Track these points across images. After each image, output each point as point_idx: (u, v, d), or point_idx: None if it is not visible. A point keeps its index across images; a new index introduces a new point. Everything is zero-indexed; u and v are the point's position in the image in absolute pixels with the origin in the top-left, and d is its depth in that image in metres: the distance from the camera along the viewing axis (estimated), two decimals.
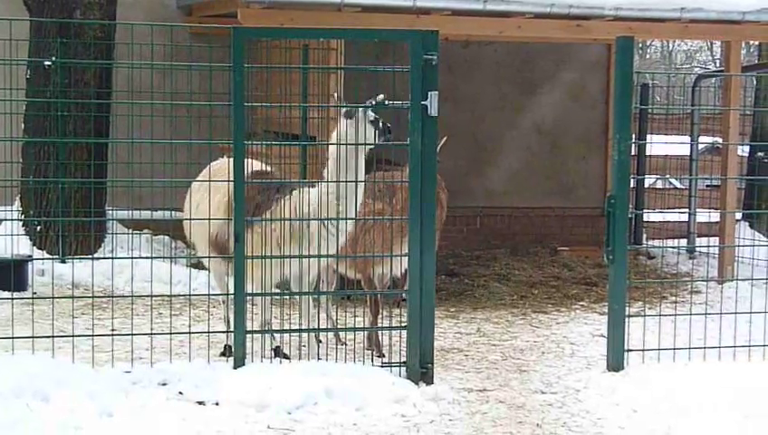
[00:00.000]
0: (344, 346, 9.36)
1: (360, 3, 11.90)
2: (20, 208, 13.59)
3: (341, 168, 8.69)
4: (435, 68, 8.44)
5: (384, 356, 9.21)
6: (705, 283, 13.28)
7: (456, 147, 14.33)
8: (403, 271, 9.28)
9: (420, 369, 8.55)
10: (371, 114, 8.87)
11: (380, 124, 8.89)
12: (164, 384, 8.14)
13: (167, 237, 13.69)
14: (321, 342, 9.49)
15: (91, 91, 13.26)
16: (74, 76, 13.10)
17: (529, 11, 12.50)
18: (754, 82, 18.40)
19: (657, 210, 16.79)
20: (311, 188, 9.00)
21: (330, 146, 8.92)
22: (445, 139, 9.43)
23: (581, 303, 12.64)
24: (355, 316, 9.82)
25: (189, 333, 8.95)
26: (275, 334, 9.16)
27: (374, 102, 8.69)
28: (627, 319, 8.98)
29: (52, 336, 8.48)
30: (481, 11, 12.32)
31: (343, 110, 8.87)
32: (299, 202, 8.85)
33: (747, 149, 17.42)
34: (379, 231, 9.27)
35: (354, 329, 9.51)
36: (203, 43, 12.81)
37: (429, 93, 8.41)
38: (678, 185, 20.19)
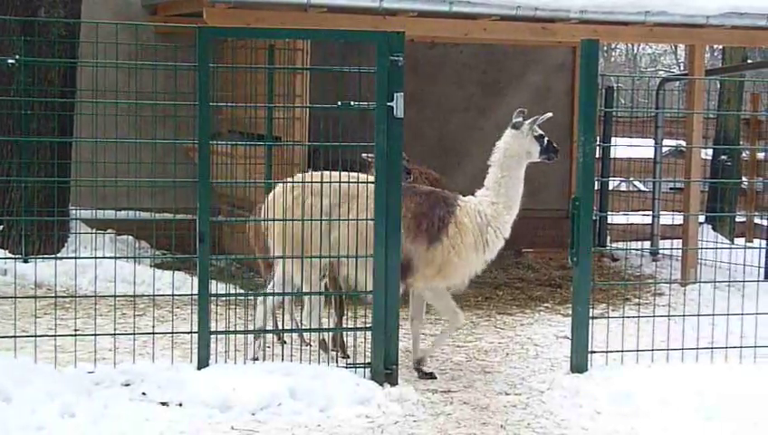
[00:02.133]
0: (309, 347, 9.35)
1: (326, 3, 11.88)
2: None
3: (507, 178, 9.13)
4: (401, 69, 8.44)
5: (348, 357, 9.21)
6: (668, 285, 13.35)
7: (421, 148, 14.36)
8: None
9: (385, 370, 8.55)
10: (537, 129, 9.20)
11: (545, 141, 9.23)
12: (127, 385, 8.12)
13: (130, 237, 13.65)
14: (285, 342, 9.47)
15: (55, 90, 13.19)
16: (38, 75, 13.02)
17: (495, 13, 12.52)
18: (718, 86, 18.49)
19: (621, 213, 16.84)
20: (474, 199, 9.19)
21: (497, 155, 9.23)
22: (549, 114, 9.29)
23: (546, 304, 12.67)
24: (319, 317, 9.80)
25: (153, 333, 8.91)
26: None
27: (344, 106, 8.68)
28: (591, 321, 9.00)
29: (15, 336, 8.43)
30: (447, 12, 12.33)
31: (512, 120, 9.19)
32: (475, 213, 9.04)
33: (710, 152, 17.52)
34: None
35: (319, 330, 9.49)
36: (168, 42, 12.78)
37: (395, 95, 8.41)
38: (642, 187, 20.28)
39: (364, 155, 9.04)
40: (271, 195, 9.08)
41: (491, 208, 9.10)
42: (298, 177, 9.42)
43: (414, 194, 9.12)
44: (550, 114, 9.35)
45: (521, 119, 9.22)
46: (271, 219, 9.00)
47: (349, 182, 8.81)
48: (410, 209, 8.94)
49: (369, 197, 8.69)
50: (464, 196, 9.25)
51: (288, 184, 9.00)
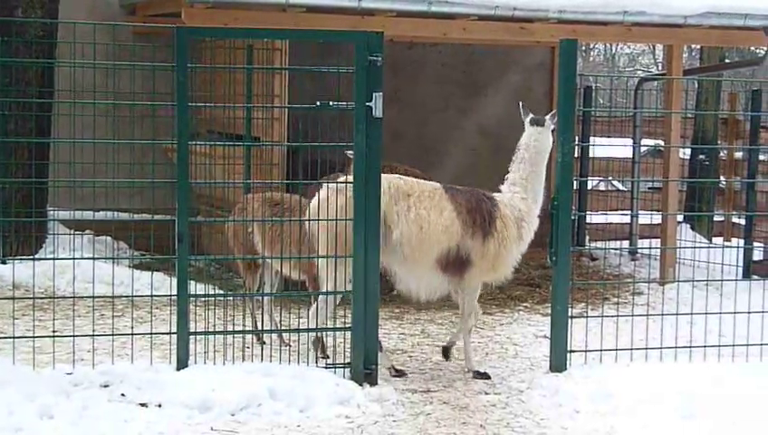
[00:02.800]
0: (288, 347, 9.34)
1: (305, 3, 11.86)
2: None
3: (534, 173, 9.41)
4: (379, 69, 8.45)
5: (328, 357, 9.20)
6: (646, 284, 13.38)
7: (400, 148, 14.36)
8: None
9: (364, 370, 8.56)
10: (551, 123, 9.42)
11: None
12: (106, 386, 8.09)
13: (109, 238, 13.60)
14: (264, 343, 9.46)
15: (32, 91, 13.14)
16: (15, 75, 12.96)
17: (473, 13, 12.53)
18: (696, 86, 18.54)
19: (599, 212, 16.87)
20: (505, 195, 9.44)
21: (524, 152, 9.45)
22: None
23: (525, 304, 12.69)
24: (299, 317, 9.80)
25: (132, 334, 8.89)
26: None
27: (322, 105, 8.67)
28: (570, 320, 9.03)
29: None
30: (426, 12, 12.33)
31: (529, 117, 9.48)
32: (512, 208, 9.30)
33: (689, 151, 17.56)
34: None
35: (298, 330, 9.49)
36: (146, 42, 12.76)
37: (374, 94, 8.42)
38: (621, 187, 20.32)
39: (348, 152, 9.04)
40: (319, 197, 8.92)
41: (523, 204, 9.33)
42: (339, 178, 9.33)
43: (457, 191, 9.26)
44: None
45: (531, 115, 9.51)
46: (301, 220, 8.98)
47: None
48: (463, 205, 9.10)
49: (424, 194, 9.03)
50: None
51: (335, 186, 8.91)
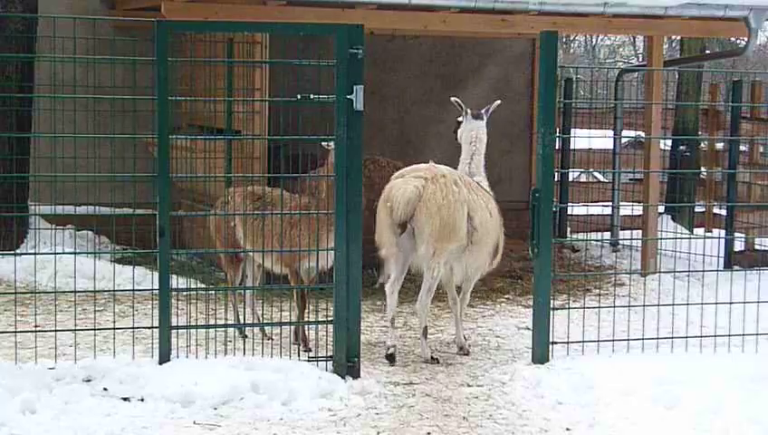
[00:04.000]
0: (270, 341, 9.34)
1: None
2: None
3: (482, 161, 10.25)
4: (360, 62, 8.45)
5: (311, 350, 9.21)
6: (628, 275, 13.42)
7: (381, 141, 14.36)
8: (330, 265, 9.28)
9: (347, 363, 8.57)
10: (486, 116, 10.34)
11: None
12: (88, 380, 8.09)
13: (90, 233, 13.57)
14: (246, 337, 9.46)
15: (12, 85, 13.09)
16: None
17: (454, 5, 12.51)
18: (676, 77, 18.58)
19: (581, 204, 16.89)
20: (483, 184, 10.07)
21: (476, 144, 10.19)
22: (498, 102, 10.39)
23: (507, 296, 12.71)
24: (281, 311, 9.80)
25: (114, 329, 8.90)
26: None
27: (303, 99, 8.67)
28: (551, 312, 9.05)
29: None
30: (406, 5, 12.32)
31: (470, 112, 10.23)
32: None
33: (669, 142, 17.60)
34: (306, 225, 9.26)
35: (280, 323, 9.49)
36: (126, 36, 12.71)
37: (355, 87, 8.42)
38: (602, 178, 20.34)
39: (324, 144, 9.07)
40: (419, 190, 9.34)
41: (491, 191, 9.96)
42: (419, 168, 9.78)
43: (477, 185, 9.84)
44: (498, 102, 10.39)
45: (471, 110, 10.27)
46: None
47: None
48: (492, 198, 9.83)
49: (471, 184, 9.75)
50: None
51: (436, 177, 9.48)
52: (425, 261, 9.45)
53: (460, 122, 10.36)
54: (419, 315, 9.65)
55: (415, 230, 9.38)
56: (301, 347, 9.31)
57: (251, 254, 9.86)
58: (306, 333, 9.53)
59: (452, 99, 10.19)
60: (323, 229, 8.99)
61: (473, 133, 10.15)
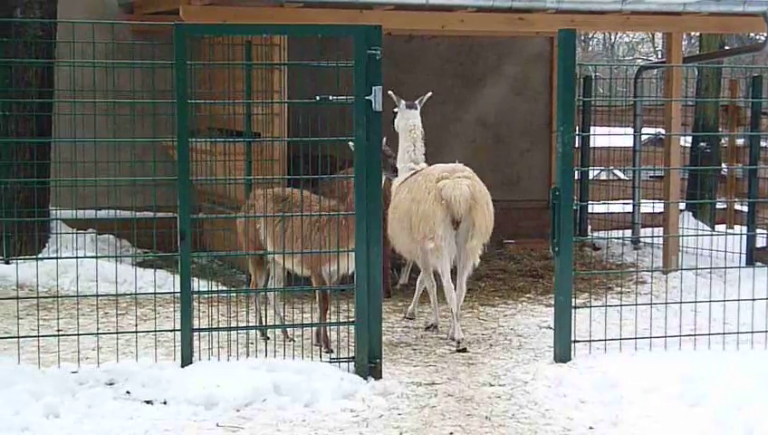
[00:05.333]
0: (292, 342, 9.35)
1: None
2: None
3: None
4: (378, 63, 8.45)
5: (332, 352, 9.21)
6: (650, 273, 13.37)
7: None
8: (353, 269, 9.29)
9: (369, 364, 8.57)
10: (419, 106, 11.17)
11: None
12: (111, 384, 8.10)
13: (111, 236, 13.61)
14: (268, 338, 9.47)
15: (32, 91, 13.14)
16: (15, 75, 12.96)
17: (471, 4, 12.51)
18: (696, 73, 18.54)
19: (601, 202, 16.87)
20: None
21: (416, 131, 11.06)
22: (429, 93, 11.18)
23: (528, 295, 12.68)
24: (303, 312, 9.81)
25: (136, 332, 8.92)
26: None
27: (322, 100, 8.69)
28: (573, 310, 9.03)
29: None
30: (424, 5, 12.32)
31: (403, 102, 11.00)
32: None
33: (690, 139, 17.56)
34: (333, 229, 9.21)
35: (302, 325, 9.49)
36: (145, 40, 12.76)
37: (373, 88, 8.42)
38: (622, 176, 20.31)
39: (351, 145, 9.09)
40: (471, 189, 10.13)
41: None
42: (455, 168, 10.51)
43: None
44: (430, 94, 11.34)
45: (404, 101, 11.05)
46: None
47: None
48: None
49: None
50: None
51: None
52: (472, 252, 10.26)
53: (396, 113, 11.05)
54: (458, 302, 10.26)
55: (468, 225, 10.14)
56: (322, 348, 9.31)
57: (275, 256, 9.87)
58: (328, 334, 9.53)
59: (388, 92, 10.25)
60: (351, 234, 8.95)
61: (410, 122, 10.98)
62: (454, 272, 10.22)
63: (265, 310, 10.13)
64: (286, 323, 9.98)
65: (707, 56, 18.06)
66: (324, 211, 9.43)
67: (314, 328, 9.62)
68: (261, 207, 9.73)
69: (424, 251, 10.33)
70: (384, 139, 9.60)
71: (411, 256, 11.09)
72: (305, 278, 9.85)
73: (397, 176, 9.94)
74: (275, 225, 9.59)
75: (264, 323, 9.92)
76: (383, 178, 9.33)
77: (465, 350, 9.85)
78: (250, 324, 9.30)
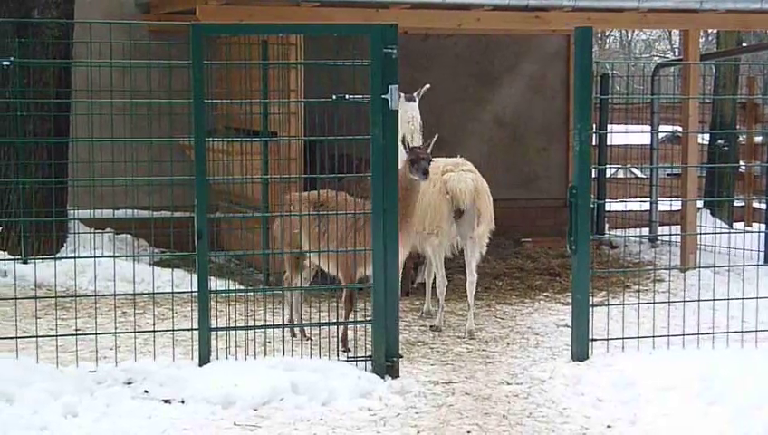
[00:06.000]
0: (309, 341, 9.35)
1: None
2: None
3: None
4: (394, 62, 8.44)
5: (349, 350, 9.21)
6: (667, 271, 13.33)
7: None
8: None
9: (386, 362, 8.57)
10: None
11: None
12: (129, 383, 8.12)
13: (129, 236, 13.64)
14: (295, 335, 9.48)
15: (50, 91, 13.17)
16: (33, 76, 12.99)
17: (488, 3, 12.51)
18: (713, 71, 18.50)
19: (618, 200, 16.85)
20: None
21: (415, 123, 11.28)
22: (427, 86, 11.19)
23: (545, 293, 12.67)
24: (320, 311, 9.81)
25: (154, 331, 8.93)
26: None
27: (338, 99, 8.69)
28: (591, 309, 9.01)
29: (16, 337, 8.44)
30: (440, 4, 12.33)
31: (403, 95, 10.64)
32: None
33: (707, 137, 17.52)
34: (368, 232, 8.96)
35: (319, 324, 9.48)
36: (162, 40, 12.77)
37: (389, 87, 8.42)
38: (639, 174, 20.28)
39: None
40: (474, 181, 10.51)
41: None
42: (457, 162, 10.94)
43: None
44: (428, 86, 11.57)
45: (404, 94, 10.82)
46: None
47: None
48: None
49: None
50: None
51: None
52: (479, 239, 10.58)
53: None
54: (471, 291, 10.59)
55: (474, 215, 10.47)
56: (340, 347, 9.30)
57: (309, 256, 9.82)
58: (346, 332, 9.51)
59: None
60: None
61: (408, 114, 11.12)
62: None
63: (301, 308, 10.09)
64: (304, 322, 9.98)
65: (725, 53, 18.03)
66: (365, 211, 9.23)
67: (339, 331, 9.53)
68: (298, 211, 9.53)
69: (423, 242, 10.66)
70: (432, 140, 9.86)
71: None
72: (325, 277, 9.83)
73: (427, 179, 9.64)
74: (312, 228, 9.52)
75: (294, 322, 9.86)
76: (417, 179, 9.46)
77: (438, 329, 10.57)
78: (267, 323, 9.30)
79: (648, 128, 16.44)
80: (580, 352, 8.99)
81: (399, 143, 8.88)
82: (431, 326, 10.71)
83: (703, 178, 16.81)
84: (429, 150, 9.75)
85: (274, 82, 12.36)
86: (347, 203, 9.56)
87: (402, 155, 9.41)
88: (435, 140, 9.93)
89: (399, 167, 9.00)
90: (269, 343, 8.96)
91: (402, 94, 10.65)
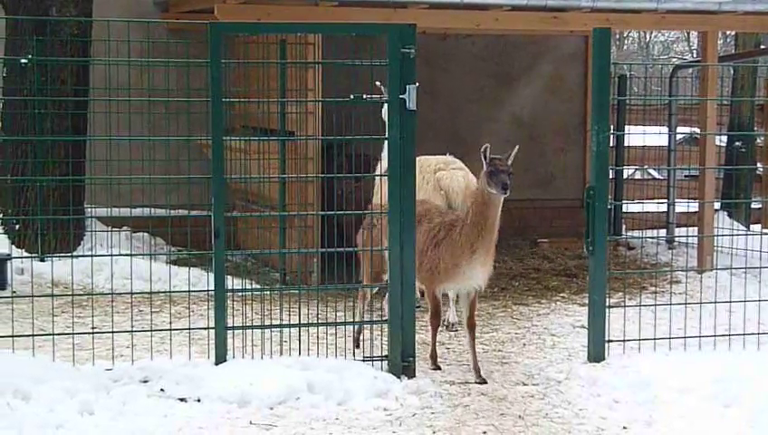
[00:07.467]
0: (325, 341, 9.33)
1: None
2: None
3: None
4: (412, 61, 8.44)
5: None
6: (684, 273, 13.30)
7: (434, 140, 14.35)
8: (471, 290, 9.02)
9: (402, 362, 8.57)
10: None
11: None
12: (145, 381, 8.13)
13: (146, 234, 13.66)
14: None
15: (68, 89, 13.19)
16: (51, 74, 13.02)
17: (506, 3, 12.51)
18: (731, 72, 18.44)
19: (636, 201, 16.82)
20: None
21: None
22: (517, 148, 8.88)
23: (562, 294, 12.65)
24: (336, 311, 9.81)
25: (170, 329, 8.94)
26: None
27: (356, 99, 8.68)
28: (607, 310, 9.00)
29: (33, 335, 8.46)
30: (458, 4, 12.33)
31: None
32: None
33: (725, 138, 17.47)
34: (449, 246, 8.83)
35: (335, 323, 9.46)
36: (180, 39, 12.78)
37: (407, 87, 8.42)
38: (657, 175, 20.23)
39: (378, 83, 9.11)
40: (465, 179, 10.66)
41: None
42: (447, 160, 11.10)
43: None
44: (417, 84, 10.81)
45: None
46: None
47: None
48: None
49: None
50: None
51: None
52: None
53: (383, 103, 9.97)
54: None
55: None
56: (431, 365, 9.08)
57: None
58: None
59: (376, 82, 9.80)
60: (465, 253, 8.69)
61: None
62: None
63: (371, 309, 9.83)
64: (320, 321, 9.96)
65: (743, 55, 17.97)
66: (445, 224, 8.99)
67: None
68: (385, 226, 8.95)
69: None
70: (513, 151, 8.67)
71: None
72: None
73: (507, 193, 8.50)
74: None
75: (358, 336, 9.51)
76: (495, 193, 8.52)
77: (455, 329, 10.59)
78: (284, 323, 9.31)
79: (665, 129, 16.39)
80: (596, 353, 8.98)
81: (480, 153, 8.51)
82: (445, 325, 10.69)
83: (720, 179, 16.76)
84: (510, 162, 8.63)
85: (292, 82, 12.37)
86: (431, 212, 9.24)
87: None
88: (516, 151, 8.70)
89: (477, 180, 8.75)
90: (285, 342, 8.97)
91: None
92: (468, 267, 8.71)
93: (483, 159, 8.55)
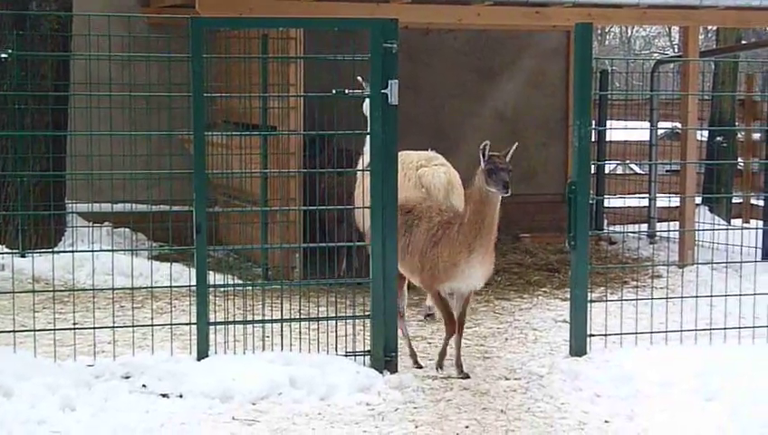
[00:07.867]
0: (308, 336, 9.33)
1: None
2: None
3: None
4: (395, 56, 8.44)
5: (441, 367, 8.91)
6: (665, 267, 13.32)
7: (416, 135, 14.34)
8: (471, 289, 8.90)
9: (384, 357, 8.57)
10: None
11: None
12: (127, 377, 8.11)
13: (127, 230, 13.62)
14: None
15: (48, 84, 13.14)
16: (31, 69, 12.98)
17: None
18: (713, 67, 18.49)
19: (617, 196, 16.85)
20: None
21: None
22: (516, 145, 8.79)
23: (544, 289, 12.67)
24: (318, 306, 9.80)
25: (152, 325, 8.92)
26: None
27: (338, 94, 8.67)
28: (589, 304, 9.01)
29: (14, 331, 8.43)
30: None
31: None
32: None
33: (706, 133, 17.51)
34: (446, 245, 8.68)
35: (318, 319, 9.47)
36: (161, 33, 12.74)
37: (389, 82, 8.42)
38: (638, 170, 20.27)
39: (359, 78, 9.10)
40: (447, 175, 10.74)
41: None
42: (429, 155, 11.14)
43: None
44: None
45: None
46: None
47: None
48: None
49: None
50: None
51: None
52: None
53: (364, 98, 9.75)
54: None
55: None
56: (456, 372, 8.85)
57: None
58: (460, 358, 8.94)
59: (358, 77, 9.73)
60: (462, 252, 8.53)
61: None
62: None
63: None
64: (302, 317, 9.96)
65: (724, 50, 18.02)
66: (444, 222, 8.82)
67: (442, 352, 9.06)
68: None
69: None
70: (511, 148, 8.60)
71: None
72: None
73: (507, 193, 8.39)
74: (402, 237, 8.91)
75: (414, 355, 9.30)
76: (495, 192, 8.41)
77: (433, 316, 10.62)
78: (266, 318, 9.29)
79: (647, 124, 16.44)
80: (578, 347, 9.00)
81: (479, 151, 8.47)
82: (426, 315, 10.72)
83: (701, 174, 16.80)
84: (509, 159, 8.54)
85: (274, 77, 12.35)
86: (431, 211, 9.08)
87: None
88: (515, 148, 8.63)
89: (474, 177, 8.57)
90: (267, 337, 8.96)
91: None
92: (467, 266, 8.59)
93: (481, 156, 8.43)
